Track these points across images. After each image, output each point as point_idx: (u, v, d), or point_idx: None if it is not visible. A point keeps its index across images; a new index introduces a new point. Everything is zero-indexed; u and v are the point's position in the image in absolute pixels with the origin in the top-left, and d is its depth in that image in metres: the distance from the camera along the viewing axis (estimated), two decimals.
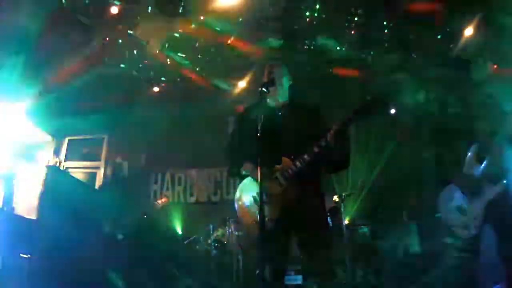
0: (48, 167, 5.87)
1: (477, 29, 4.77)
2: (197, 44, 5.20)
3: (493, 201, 2.56)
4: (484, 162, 2.59)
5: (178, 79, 5.95)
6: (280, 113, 2.59)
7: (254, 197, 2.47)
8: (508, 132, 2.54)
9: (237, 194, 2.63)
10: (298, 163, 2.36)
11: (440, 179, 2.94)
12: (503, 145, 2.56)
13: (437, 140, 2.99)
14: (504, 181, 2.55)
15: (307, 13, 4.75)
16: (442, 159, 2.92)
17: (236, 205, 2.61)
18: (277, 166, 2.43)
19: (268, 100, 2.52)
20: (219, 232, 5.20)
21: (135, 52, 5.21)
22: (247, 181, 2.58)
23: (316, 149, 2.31)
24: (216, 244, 5.06)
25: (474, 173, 2.64)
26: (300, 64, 5.31)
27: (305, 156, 2.34)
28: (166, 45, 5.07)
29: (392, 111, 6.28)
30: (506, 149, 2.59)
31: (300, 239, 2.48)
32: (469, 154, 2.68)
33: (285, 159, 2.42)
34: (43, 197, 5.20)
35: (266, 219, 2.14)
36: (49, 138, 7.04)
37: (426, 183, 3.07)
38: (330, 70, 5.72)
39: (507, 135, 2.54)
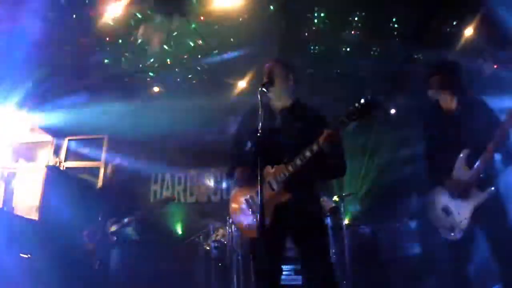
0: (48, 167, 5.89)
1: (477, 29, 4.78)
2: (197, 44, 5.19)
3: (480, 206, 2.57)
4: (474, 167, 2.59)
5: (178, 79, 5.94)
6: (281, 115, 2.54)
7: (246, 200, 2.47)
8: (500, 139, 2.54)
9: (231, 196, 2.62)
10: (290, 168, 2.32)
11: (430, 181, 2.92)
12: (494, 151, 2.56)
13: (429, 142, 2.97)
14: (492, 188, 2.56)
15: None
16: (433, 162, 2.90)
17: (230, 207, 2.60)
18: (270, 170, 2.40)
19: (271, 101, 2.51)
20: (219, 232, 5.20)
21: (135, 52, 5.20)
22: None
23: (307, 154, 2.27)
24: (216, 244, 5.06)
25: (463, 177, 2.63)
26: (301, 64, 5.31)
27: (297, 161, 2.30)
28: (166, 45, 5.06)
29: (392, 111, 6.30)
30: (496, 155, 2.60)
31: (296, 242, 2.45)
32: (459, 158, 2.68)
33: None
34: (43, 197, 5.22)
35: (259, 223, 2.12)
36: (49, 138, 7.04)
37: (425, 183, 3.06)
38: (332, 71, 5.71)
39: (498, 141, 2.53)
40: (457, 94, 2.84)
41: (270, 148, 2.27)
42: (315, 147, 2.24)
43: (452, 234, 2.63)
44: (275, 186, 2.36)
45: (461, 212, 2.62)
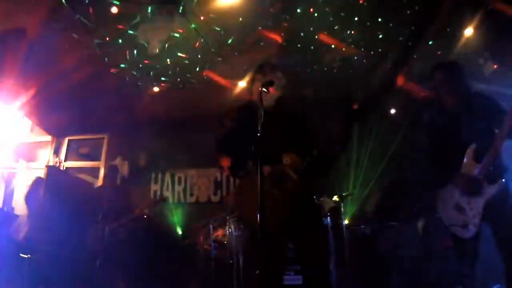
0: (48, 167, 5.89)
1: (477, 29, 4.78)
2: (197, 44, 5.19)
3: (491, 200, 2.55)
4: (483, 161, 2.58)
5: (178, 79, 5.94)
6: (275, 113, 2.57)
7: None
8: (504, 135, 2.53)
9: (237, 191, 2.66)
10: (308, 158, 2.41)
11: (439, 179, 2.90)
12: (501, 145, 2.56)
13: (435, 139, 2.96)
14: (503, 180, 2.55)
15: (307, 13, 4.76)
16: (440, 159, 2.90)
17: (236, 202, 2.67)
18: (287, 161, 2.46)
19: (263, 100, 2.52)
20: (219, 232, 5.20)
21: (135, 52, 5.20)
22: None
23: (323, 147, 2.37)
24: (216, 244, 5.06)
25: (472, 172, 2.63)
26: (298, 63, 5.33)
27: (314, 152, 2.39)
28: (166, 45, 5.06)
29: (392, 111, 6.30)
30: (505, 147, 2.59)
31: (298, 237, 2.48)
32: (467, 153, 2.67)
33: (291, 156, 2.46)
34: (43, 197, 5.22)
35: (272, 217, 2.14)
36: (49, 138, 7.04)
37: (426, 183, 3.06)
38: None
39: (505, 133, 2.53)
40: (459, 91, 2.83)
41: (269, 145, 2.29)
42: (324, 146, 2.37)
43: (466, 231, 2.61)
44: (295, 177, 2.43)
45: (474, 207, 2.59)
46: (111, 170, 4.94)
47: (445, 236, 2.88)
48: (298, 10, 4.71)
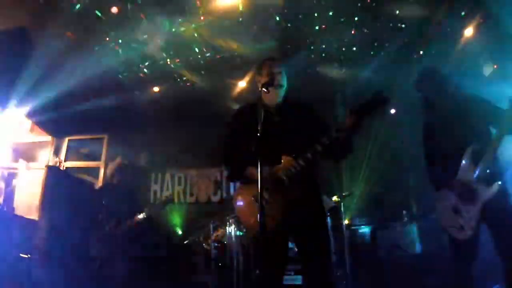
0: (48, 167, 5.88)
1: (477, 29, 4.79)
2: (197, 44, 5.19)
3: (488, 202, 2.55)
4: (479, 165, 2.58)
5: (178, 79, 5.94)
6: (277, 113, 2.56)
7: (255, 196, 2.44)
8: (503, 133, 2.54)
9: (236, 194, 2.61)
10: (301, 162, 2.34)
11: (435, 181, 2.91)
12: (498, 146, 2.56)
13: (433, 141, 2.96)
14: (499, 183, 2.55)
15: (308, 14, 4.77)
16: (438, 161, 2.90)
17: (235, 205, 2.59)
18: (279, 165, 2.40)
19: (265, 100, 2.50)
20: (219, 232, 5.20)
21: (135, 52, 5.21)
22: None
23: (319, 148, 2.30)
24: (216, 244, 5.06)
25: (469, 175, 2.63)
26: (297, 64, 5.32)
27: (308, 155, 2.33)
28: (166, 45, 5.06)
29: (392, 111, 6.30)
30: (501, 150, 2.60)
31: (299, 239, 2.47)
32: (465, 155, 2.66)
33: (286, 158, 2.41)
34: (43, 197, 5.22)
35: (268, 218, 2.12)
36: (49, 138, 7.04)
37: (426, 183, 3.06)
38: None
39: (502, 136, 2.54)
40: (449, 94, 2.84)
41: (270, 146, 2.27)
42: (326, 141, 2.29)
43: (462, 233, 2.61)
44: (285, 181, 2.37)
45: (470, 210, 2.59)
46: (117, 169, 4.92)
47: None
48: (298, 10, 4.72)
